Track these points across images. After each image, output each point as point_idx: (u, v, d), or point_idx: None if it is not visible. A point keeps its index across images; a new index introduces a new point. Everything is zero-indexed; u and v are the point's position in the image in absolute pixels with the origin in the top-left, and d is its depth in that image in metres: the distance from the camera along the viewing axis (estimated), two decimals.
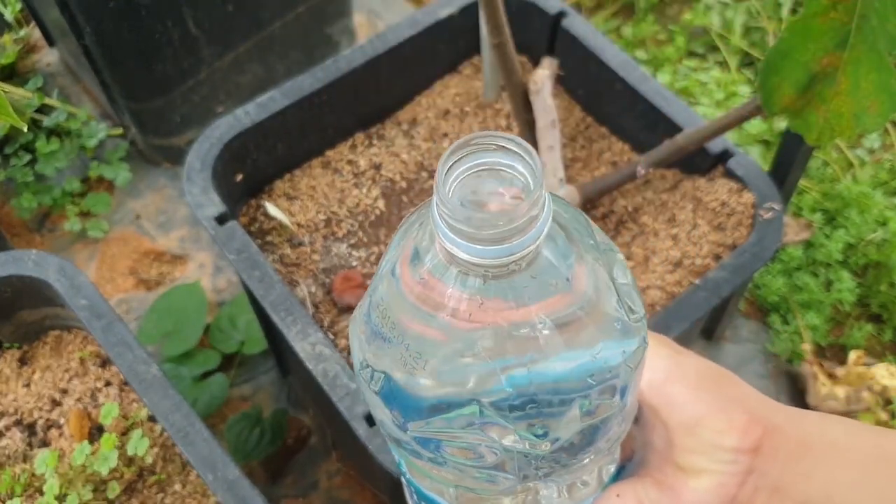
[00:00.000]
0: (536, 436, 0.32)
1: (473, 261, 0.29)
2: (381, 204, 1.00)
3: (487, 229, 0.28)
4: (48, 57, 1.74)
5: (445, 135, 1.05)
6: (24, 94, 1.59)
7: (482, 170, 0.30)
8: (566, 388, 0.32)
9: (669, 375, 0.38)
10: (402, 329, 0.32)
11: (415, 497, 0.43)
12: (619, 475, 0.41)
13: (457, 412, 0.32)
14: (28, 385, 0.97)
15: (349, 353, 0.89)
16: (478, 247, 0.28)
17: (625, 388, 0.33)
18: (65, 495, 0.86)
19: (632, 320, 0.33)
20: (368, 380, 0.34)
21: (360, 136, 1.05)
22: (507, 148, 0.29)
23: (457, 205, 0.28)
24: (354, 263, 0.95)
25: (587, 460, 0.35)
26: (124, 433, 0.92)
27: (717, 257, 0.90)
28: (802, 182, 1.39)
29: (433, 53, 1.05)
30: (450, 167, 0.30)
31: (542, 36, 1.03)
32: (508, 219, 0.28)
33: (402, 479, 0.43)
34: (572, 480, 0.37)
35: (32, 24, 1.72)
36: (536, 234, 0.29)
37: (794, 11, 1.55)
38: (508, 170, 0.30)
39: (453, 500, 0.39)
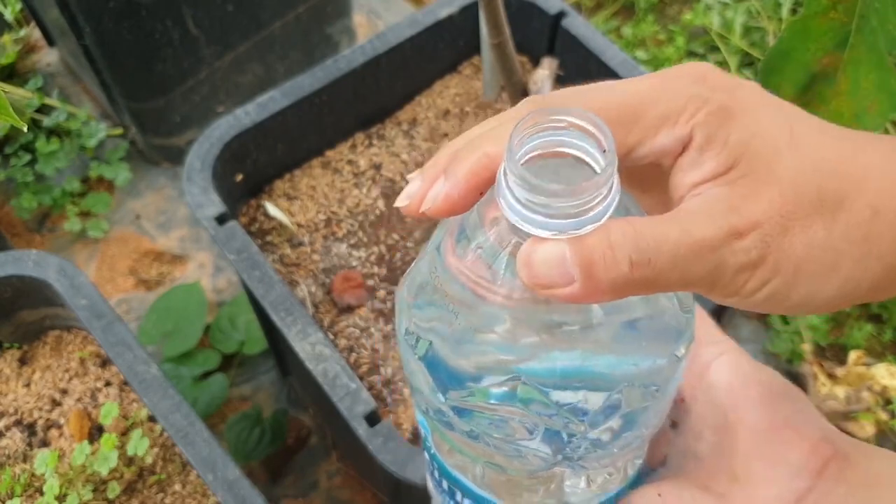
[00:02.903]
0: (576, 416, 0.31)
1: (537, 234, 0.27)
2: (380, 204, 1.00)
3: (559, 201, 0.26)
4: (48, 57, 1.74)
5: (445, 135, 1.05)
6: (24, 94, 1.59)
7: (553, 146, 0.28)
8: (612, 374, 0.31)
9: (748, 380, 0.36)
10: (451, 298, 0.31)
11: (436, 475, 0.42)
12: (641, 477, 0.40)
13: (499, 384, 0.31)
14: (28, 385, 0.97)
15: (349, 353, 0.89)
16: (545, 219, 0.27)
17: (669, 379, 0.32)
18: (65, 495, 0.86)
19: (683, 313, 0.32)
20: (413, 345, 0.33)
21: (360, 136, 1.05)
22: (578, 125, 0.28)
23: (528, 175, 0.26)
24: (354, 263, 0.95)
25: (620, 448, 0.34)
26: (124, 433, 0.92)
27: None
28: None
29: (433, 53, 1.05)
30: (521, 138, 0.28)
31: (542, 36, 1.04)
32: (581, 192, 0.26)
33: (426, 456, 0.43)
34: (600, 469, 0.36)
35: (32, 24, 1.72)
36: (605, 210, 0.27)
37: (793, 11, 1.55)
38: (578, 147, 0.28)
39: (478, 480, 0.38)
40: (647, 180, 0.33)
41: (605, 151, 0.27)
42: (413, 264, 0.35)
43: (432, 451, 0.40)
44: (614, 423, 0.32)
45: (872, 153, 0.30)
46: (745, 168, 0.28)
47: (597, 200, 0.27)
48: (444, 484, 0.42)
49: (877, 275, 0.29)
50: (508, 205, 0.28)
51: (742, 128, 0.29)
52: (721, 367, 0.37)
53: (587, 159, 0.28)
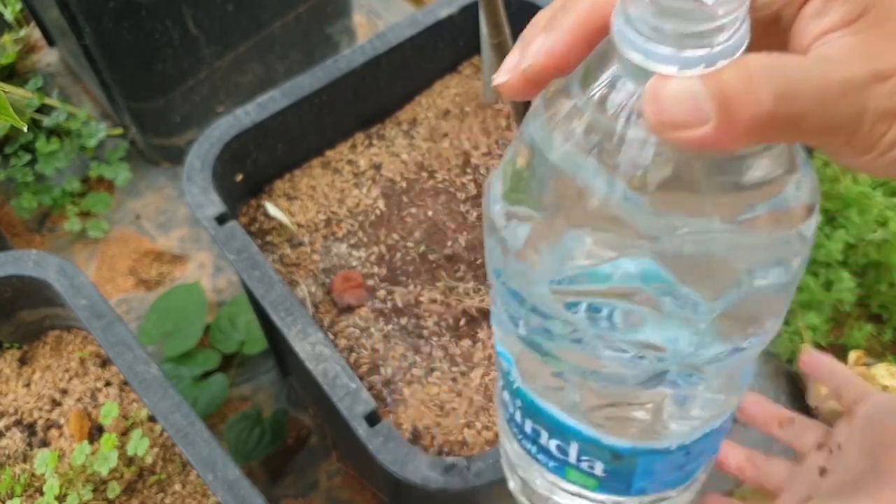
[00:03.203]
0: (694, 302, 0.28)
1: (665, 71, 0.24)
2: (381, 204, 1.00)
3: (691, 24, 0.23)
4: (48, 57, 1.74)
5: (445, 135, 1.05)
6: (24, 94, 1.59)
7: None
8: (737, 254, 0.28)
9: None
10: (560, 174, 0.28)
11: (518, 418, 0.39)
12: (732, 419, 0.38)
13: (616, 263, 0.28)
14: (28, 385, 0.98)
15: (349, 353, 0.89)
16: (673, 51, 0.24)
17: (793, 265, 0.29)
18: (65, 495, 0.86)
19: (804, 192, 0.29)
20: (513, 235, 0.30)
21: (359, 136, 1.05)
22: None
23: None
24: (354, 263, 0.96)
25: (730, 355, 0.31)
26: (124, 433, 0.92)
27: None
28: None
29: (433, 53, 1.05)
30: None
31: None
32: (717, 8, 0.23)
33: (505, 398, 0.39)
34: (702, 392, 0.33)
35: (32, 23, 1.72)
36: (738, 43, 0.24)
37: None
38: None
39: (571, 408, 0.35)
40: (762, 38, 0.28)
41: None
42: (515, 141, 0.32)
43: (516, 387, 0.37)
44: (733, 312, 0.29)
45: None
46: (876, 17, 0.25)
47: (731, 29, 0.24)
48: (528, 426, 0.38)
49: None
50: (631, 41, 0.25)
51: None
52: (870, 404, 0.37)
53: None
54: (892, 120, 0.25)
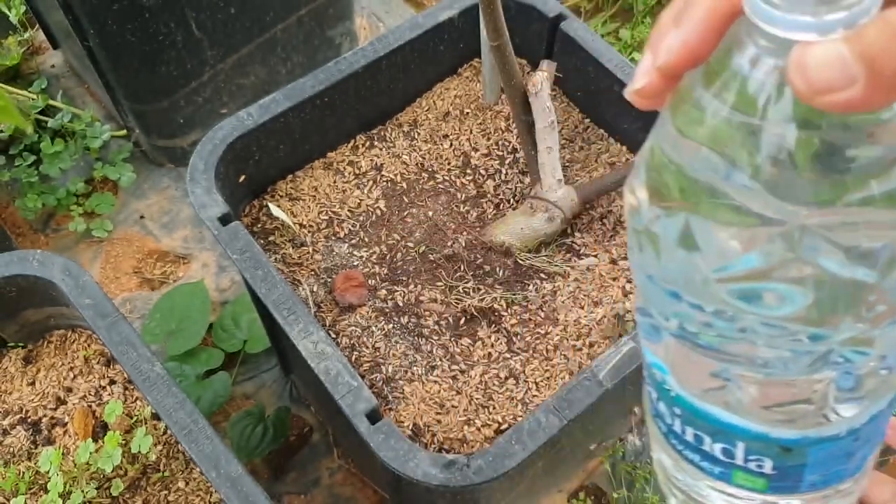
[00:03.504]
0: (862, 270, 0.28)
1: (806, 39, 0.25)
2: (381, 204, 1.01)
3: None
4: (52, 59, 1.75)
5: (446, 136, 1.06)
6: (28, 96, 1.60)
7: None
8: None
9: None
10: (706, 162, 0.28)
11: (677, 427, 0.38)
12: None
13: (774, 244, 0.28)
14: (33, 383, 0.98)
15: (351, 351, 0.90)
16: (812, 19, 0.24)
17: None
18: (69, 493, 0.87)
19: None
20: (665, 232, 0.30)
21: (361, 138, 1.06)
22: None
23: None
24: (356, 263, 0.96)
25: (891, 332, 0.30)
26: (128, 431, 0.93)
27: None
28: None
29: (433, 56, 1.06)
30: None
31: (541, 39, 1.04)
32: None
33: (661, 410, 0.39)
34: (869, 371, 0.32)
35: (37, 26, 1.73)
36: (861, 13, 0.24)
37: None
38: None
39: (739, 405, 0.35)
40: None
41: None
42: (644, 150, 0.32)
43: (673, 395, 0.37)
44: None
45: None
46: None
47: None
48: (689, 434, 0.38)
49: None
50: (769, 15, 0.25)
51: None
52: None
53: None
54: None
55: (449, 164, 1.04)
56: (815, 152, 0.27)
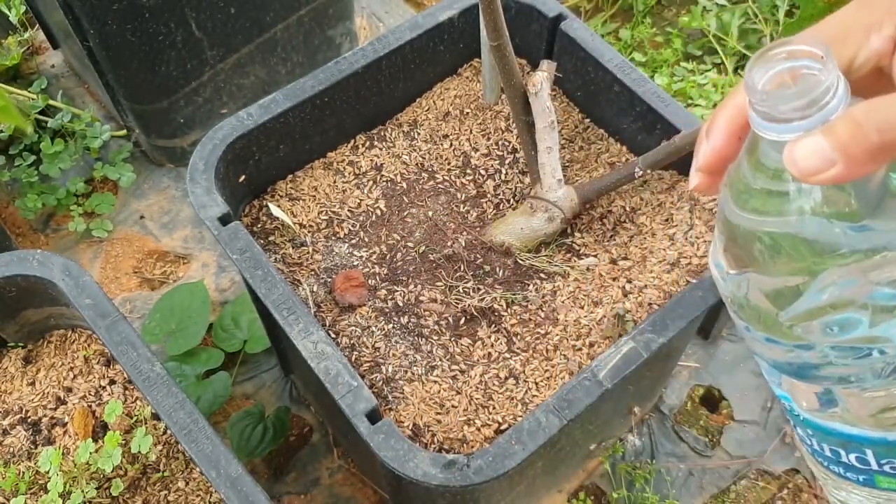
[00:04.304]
0: None
1: (793, 138, 0.33)
2: (381, 204, 1.01)
3: (797, 100, 0.32)
4: (52, 59, 1.75)
5: (446, 136, 1.06)
6: (28, 96, 1.60)
7: (780, 73, 0.34)
8: None
9: None
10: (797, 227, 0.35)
11: (816, 446, 0.44)
12: None
13: (846, 283, 0.35)
14: (33, 383, 0.98)
15: (351, 351, 0.90)
16: (796, 123, 0.32)
17: None
18: (69, 492, 0.87)
19: None
20: (767, 302, 0.37)
21: (361, 138, 1.06)
22: (795, 50, 0.33)
23: (768, 92, 0.33)
24: (356, 263, 0.96)
25: None
26: (128, 431, 0.93)
27: None
28: None
29: (433, 56, 1.06)
30: (752, 73, 0.34)
31: (541, 39, 1.04)
32: (812, 87, 0.32)
33: (799, 435, 0.44)
34: None
35: (36, 26, 1.73)
36: (839, 101, 0.32)
37: (790, 14, 1.56)
38: (802, 65, 0.33)
39: (850, 416, 0.40)
40: (877, 91, 0.35)
41: (822, 57, 0.32)
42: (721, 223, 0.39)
43: (802, 418, 0.43)
44: None
45: None
46: None
47: (830, 94, 0.32)
48: (826, 449, 0.43)
49: None
50: (765, 127, 0.33)
51: None
52: None
53: (812, 72, 0.33)
54: None
55: (449, 164, 1.04)
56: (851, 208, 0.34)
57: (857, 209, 0.34)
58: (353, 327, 0.92)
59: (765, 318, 0.37)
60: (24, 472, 0.90)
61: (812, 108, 0.32)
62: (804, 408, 0.42)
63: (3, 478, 0.89)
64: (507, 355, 0.90)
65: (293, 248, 0.98)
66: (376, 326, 0.92)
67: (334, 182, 1.02)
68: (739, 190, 0.36)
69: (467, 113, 1.07)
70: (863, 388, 0.38)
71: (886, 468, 0.42)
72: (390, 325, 0.92)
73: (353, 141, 1.06)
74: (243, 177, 0.98)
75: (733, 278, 0.38)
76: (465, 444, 0.85)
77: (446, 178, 1.03)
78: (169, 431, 0.94)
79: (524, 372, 0.89)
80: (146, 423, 0.93)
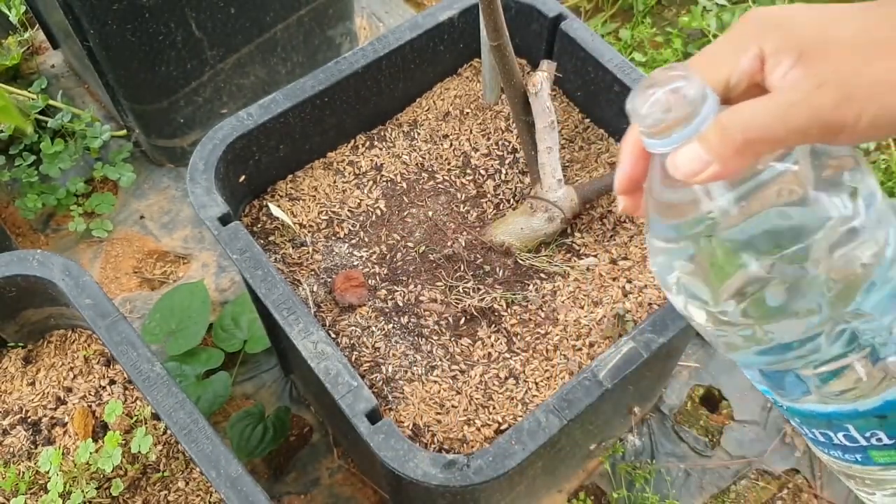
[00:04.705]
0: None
1: (674, 148, 0.39)
2: (381, 204, 1.01)
3: (671, 114, 0.38)
4: (52, 59, 1.75)
5: (446, 136, 1.06)
6: (28, 96, 1.60)
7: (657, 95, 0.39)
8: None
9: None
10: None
11: (808, 431, 0.47)
12: None
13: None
14: (33, 383, 0.98)
15: (351, 351, 0.90)
16: (673, 136, 0.38)
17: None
18: (69, 492, 0.87)
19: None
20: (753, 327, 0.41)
21: (361, 138, 1.06)
22: (666, 76, 0.39)
23: (645, 114, 0.38)
24: (356, 263, 0.96)
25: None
26: (128, 431, 0.93)
27: None
28: None
29: (433, 56, 1.06)
30: (633, 102, 0.39)
31: (541, 39, 1.04)
32: (679, 101, 0.38)
33: (795, 423, 0.47)
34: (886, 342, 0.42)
35: (36, 26, 1.73)
36: (709, 111, 0.38)
37: None
38: (673, 88, 0.38)
39: (828, 397, 0.43)
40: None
41: (686, 78, 0.38)
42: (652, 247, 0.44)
43: (786, 407, 0.46)
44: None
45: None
46: (808, 56, 0.38)
47: (698, 108, 0.38)
48: (819, 434, 0.46)
49: None
50: (651, 144, 0.39)
51: (793, 32, 0.38)
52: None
53: (681, 92, 0.38)
54: (846, 103, 0.37)
55: (449, 164, 1.04)
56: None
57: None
58: (353, 327, 0.92)
59: (712, 312, 0.42)
60: (24, 472, 0.90)
61: (685, 121, 0.38)
62: (796, 400, 0.45)
63: (3, 478, 0.89)
64: (507, 355, 0.90)
65: (293, 248, 0.98)
66: (376, 326, 0.92)
67: (334, 182, 1.02)
68: (656, 204, 0.42)
69: (467, 113, 1.07)
70: (816, 364, 0.42)
71: (874, 441, 0.44)
72: (390, 325, 0.92)
73: (353, 141, 1.06)
74: (243, 177, 0.98)
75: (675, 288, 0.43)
76: (465, 444, 0.85)
77: (446, 178, 1.03)
78: (169, 431, 0.94)
79: (524, 372, 0.89)
80: (146, 423, 0.93)
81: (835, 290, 0.39)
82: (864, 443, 0.44)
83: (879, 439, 0.44)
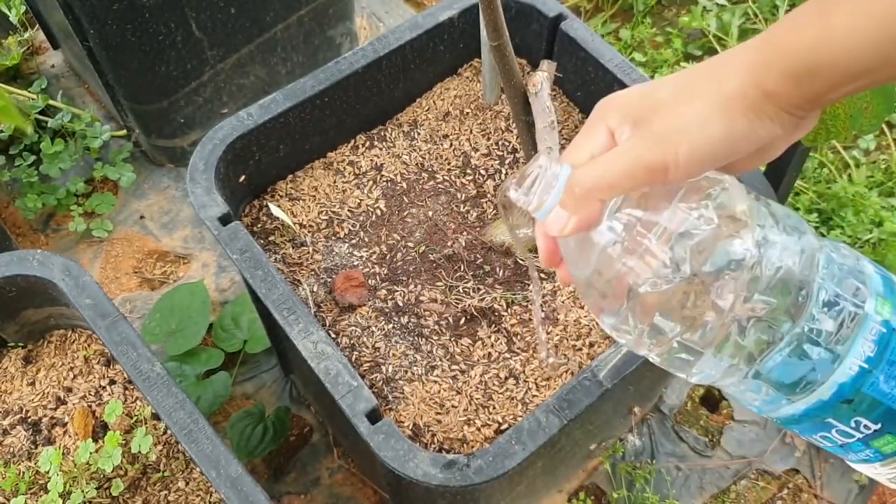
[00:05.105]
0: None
1: (545, 216, 0.49)
2: (381, 204, 1.01)
3: (528, 205, 0.48)
4: (52, 59, 1.75)
5: (446, 136, 1.06)
6: (28, 96, 1.60)
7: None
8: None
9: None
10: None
11: (811, 437, 0.48)
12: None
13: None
14: (33, 383, 0.98)
15: (351, 351, 0.90)
16: (539, 210, 0.48)
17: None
18: (69, 493, 0.87)
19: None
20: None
21: (361, 138, 1.06)
22: (531, 168, 0.48)
23: (518, 201, 0.49)
24: (356, 263, 0.96)
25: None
26: (128, 431, 0.93)
27: None
28: (798, 183, 1.39)
29: (433, 56, 1.06)
30: (503, 193, 0.50)
31: (541, 38, 1.04)
32: (530, 177, 0.48)
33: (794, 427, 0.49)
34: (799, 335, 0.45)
35: (36, 26, 1.73)
36: (560, 185, 0.46)
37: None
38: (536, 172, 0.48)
39: (802, 394, 0.46)
40: None
41: (539, 164, 0.47)
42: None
43: (774, 418, 0.49)
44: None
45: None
46: (641, 123, 0.46)
47: (553, 183, 0.47)
48: (819, 438, 0.48)
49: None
50: (538, 217, 0.49)
51: (629, 107, 0.47)
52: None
53: (541, 176, 0.48)
54: (663, 146, 0.44)
55: (449, 164, 1.04)
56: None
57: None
58: (353, 327, 0.92)
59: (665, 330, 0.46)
60: (24, 472, 0.90)
61: (547, 192, 0.47)
62: (760, 407, 0.48)
63: (3, 478, 0.89)
64: (507, 355, 0.90)
65: (293, 248, 0.98)
66: (376, 326, 0.92)
67: (334, 182, 1.02)
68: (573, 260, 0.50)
69: (467, 113, 1.07)
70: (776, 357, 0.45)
71: (863, 429, 0.46)
72: (390, 325, 0.92)
73: (353, 141, 1.06)
74: (243, 177, 0.98)
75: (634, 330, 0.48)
76: (465, 444, 0.85)
77: (446, 178, 1.03)
78: (169, 431, 0.94)
79: (524, 372, 0.89)
80: (146, 423, 0.93)
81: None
82: (858, 434, 0.46)
83: (867, 426, 0.46)
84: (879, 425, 0.45)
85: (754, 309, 0.44)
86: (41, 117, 1.58)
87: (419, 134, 1.06)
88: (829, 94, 0.43)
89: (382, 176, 1.03)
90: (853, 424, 0.45)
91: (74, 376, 0.98)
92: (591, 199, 0.46)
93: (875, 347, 0.44)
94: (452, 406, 0.87)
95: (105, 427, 0.94)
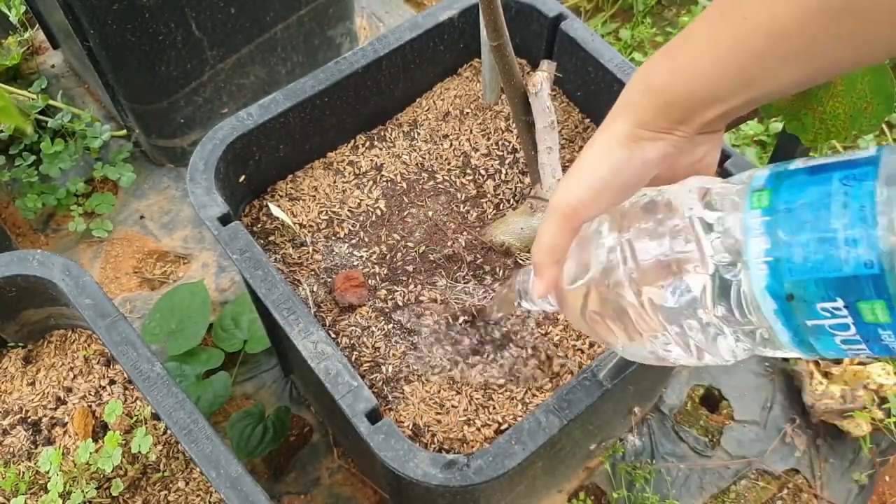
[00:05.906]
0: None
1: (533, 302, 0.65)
2: (381, 204, 1.01)
3: (525, 303, 0.66)
4: (52, 59, 1.75)
5: (446, 136, 1.06)
6: (28, 96, 1.60)
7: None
8: None
9: None
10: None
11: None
12: None
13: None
14: (33, 383, 0.98)
15: (351, 351, 0.90)
16: (529, 299, 0.65)
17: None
18: (69, 493, 0.87)
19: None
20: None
21: (361, 138, 1.06)
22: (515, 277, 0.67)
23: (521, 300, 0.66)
24: (356, 263, 0.96)
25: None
26: (128, 431, 0.93)
27: None
28: None
29: (433, 56, 1.06)
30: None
31: (541, 38, 1.04)
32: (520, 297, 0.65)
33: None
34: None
35: (36, 26, 1.73)
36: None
37: None
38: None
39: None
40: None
41: (523, 279, 0.64)
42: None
43: (778, 346, 0.50)
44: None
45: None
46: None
47: (527, 283, 0.64)
48: (838, 340, 0.46)
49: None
50: (528, 304, 0.65)
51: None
52: None
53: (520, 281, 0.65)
54: (571, 193, 0.53)
55: (449, 164, 1.04)
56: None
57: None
58: (353, 327, 0.92)
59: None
60: (24, 472, 0.90)
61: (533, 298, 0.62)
62: (781, 349, 0.49)
63: (3, 478, 0.89)
64: (508, 355, 0.90)
65: (293, 248, 0.98)
66: (376, 326, 0.92)
67: (334, 182, 1.02)
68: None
69: (467, 113, 1.07)
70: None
71: (837, 313, 0.43)
72: (390, 325, 0.92)
73: (353, 141, 1.06)
74: (243, 177, 0.98)
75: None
76: (465, 444, 0.85)
77: (446, 178, 1.03)
78: (169, 431, 0.94)
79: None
80: (146, 423, 0.93)
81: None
82: (843, 320, 0.44)
83: (836, 308, 0.43)
84: (840, 301, 0.43)
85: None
86: (41, 117, 1.58)
87: (419, 134, 1.06)
88: (694, 117, 0.50)
89: (382, 176, 1.03)
90: (826, 315, 0.44)
91: (74, 376, 0.98)
92: (546, 264, 0.55)
93: (768, 238, 0.45)
94: (452, 406, 0.87)
95: (105, 427, 0.94)
